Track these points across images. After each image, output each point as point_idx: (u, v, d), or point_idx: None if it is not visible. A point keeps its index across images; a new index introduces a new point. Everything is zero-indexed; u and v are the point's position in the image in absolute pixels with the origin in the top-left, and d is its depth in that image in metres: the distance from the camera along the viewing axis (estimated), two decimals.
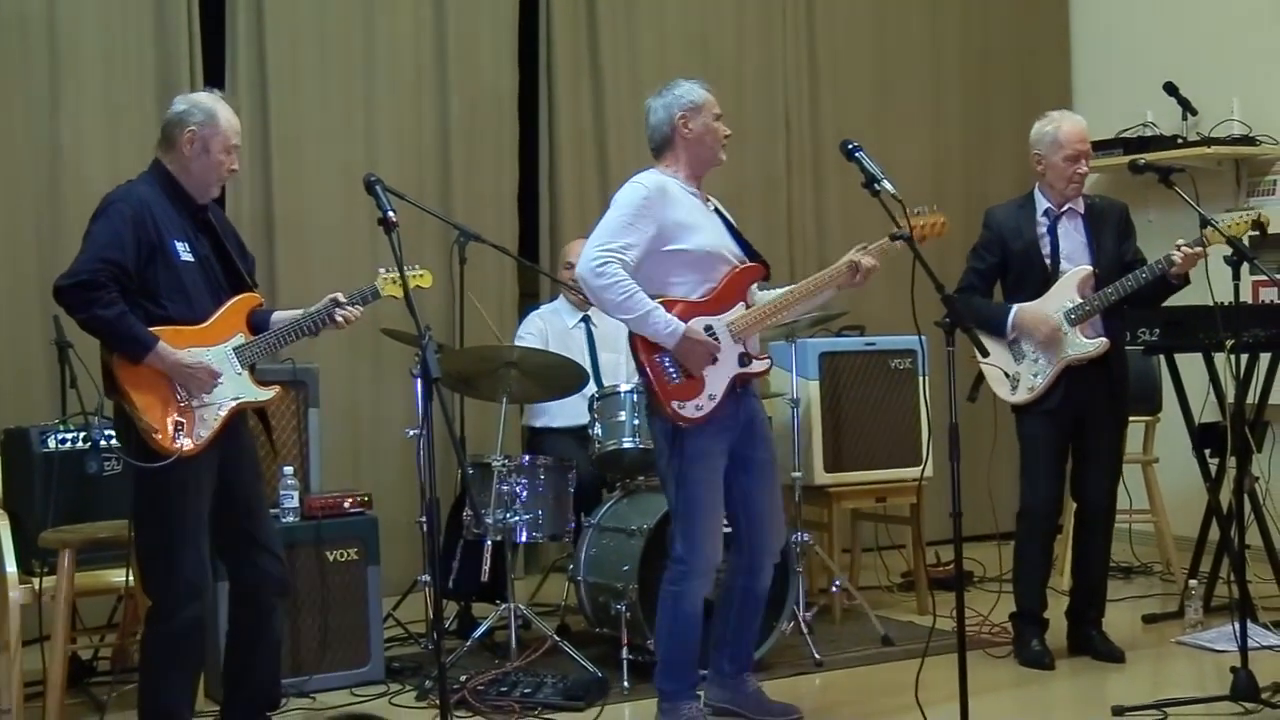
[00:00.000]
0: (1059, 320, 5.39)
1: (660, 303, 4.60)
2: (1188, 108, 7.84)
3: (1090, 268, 5.45)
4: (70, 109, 6.50)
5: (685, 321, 4.60)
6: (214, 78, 6.68)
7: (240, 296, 4.43)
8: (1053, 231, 5.52)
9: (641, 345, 4.64)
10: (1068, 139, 5.46)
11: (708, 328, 4.65)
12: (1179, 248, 5.25)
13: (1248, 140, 7.58)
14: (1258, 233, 5.45)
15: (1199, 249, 5.23)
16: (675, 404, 4.58)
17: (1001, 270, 5.60)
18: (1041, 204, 5.56)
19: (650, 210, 4.62)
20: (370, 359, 7.02)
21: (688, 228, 4.68)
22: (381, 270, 4.65)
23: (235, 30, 6.90)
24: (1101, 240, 5.52)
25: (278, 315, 4.55)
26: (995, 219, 5.65)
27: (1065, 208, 5.53)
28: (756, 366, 4.77)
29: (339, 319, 4.51)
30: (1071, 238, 5.52)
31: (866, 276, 4.76)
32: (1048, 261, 5.50)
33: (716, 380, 4.65)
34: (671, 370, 4.61)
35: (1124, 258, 5.51)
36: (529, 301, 7.38)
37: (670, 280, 4.68)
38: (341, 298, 4.54)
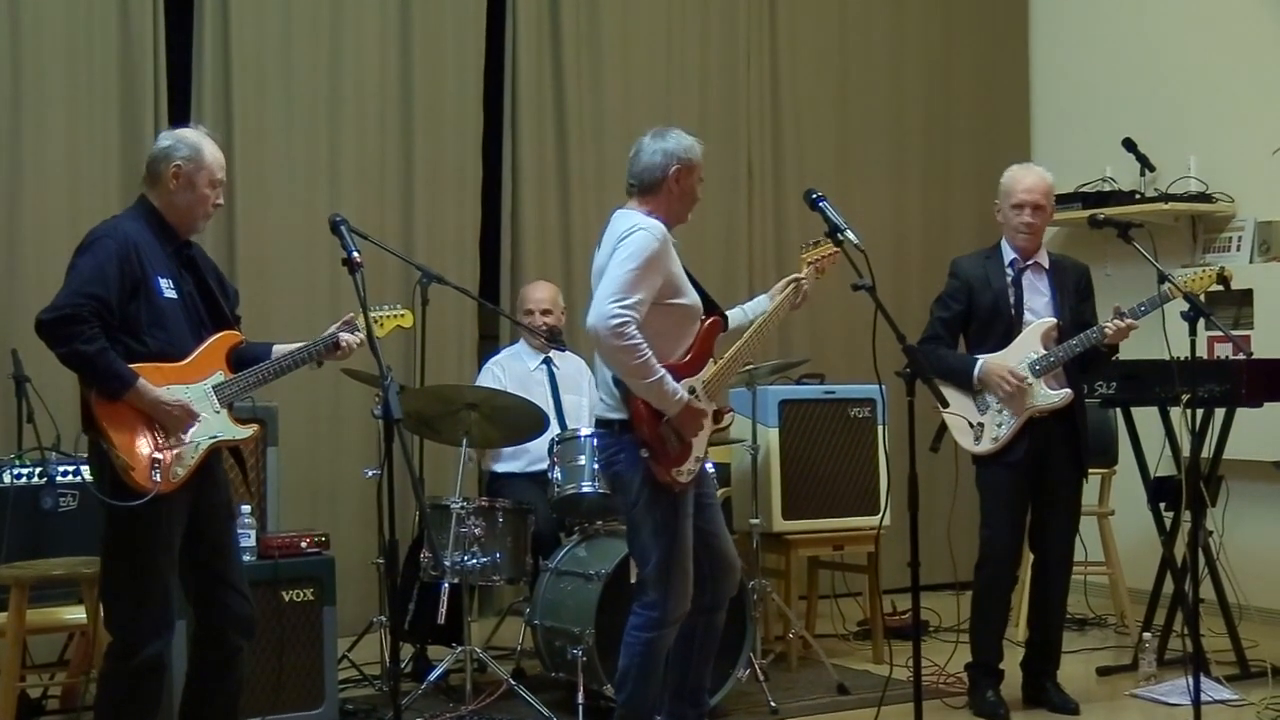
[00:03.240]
0: (1024, 372, 5.42)
1: None
2: (1146, 164, 7.92)
3: (1054, 320, 5.50)
4: (32, 147, 6.48)
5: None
6: (179, 117, 6.64)
7: (221, 334, 4.41)
8: (1018, 283, 5.56)
9: (647, 417, 4.47)
10: (1014, 188, 5.53)
11: (691, 390, 4.56)
12: (1116, 314, 5.34)
13: (1204, 197, 7.66)
14: (1221, 286, 5.51)
15: (1129, 322, 5.31)
16: (675, 471, 4.53)
17: (966, 319, 5.63)
18: (1008, 255, 5.60)
19: (660, 263, 4.45)
20: (330, 398, 6.98)
21: (682, 281, 4.59)
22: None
23: (201, 69, 6.89)
24: (1064, 296, 5.57)
25: (279, 347, 4.51)
26: (962, 269, 5.68)
27: (1031, 261, 5.57)
28: (726, 420, 4.77)
29: (344, 342, 4.47)
30: (1036, 290, 5.56)
31: (806, 298, 4.95)
32: (1013, 312, 5.55)
33: (701, 442, 4.62)
34: (672, 440, 4.52)
35: (1081, 317, 5.56)
36: (489, 344, 7.37)
37: (667, 336, 4.54)
38: (349, 326, 4.49)
